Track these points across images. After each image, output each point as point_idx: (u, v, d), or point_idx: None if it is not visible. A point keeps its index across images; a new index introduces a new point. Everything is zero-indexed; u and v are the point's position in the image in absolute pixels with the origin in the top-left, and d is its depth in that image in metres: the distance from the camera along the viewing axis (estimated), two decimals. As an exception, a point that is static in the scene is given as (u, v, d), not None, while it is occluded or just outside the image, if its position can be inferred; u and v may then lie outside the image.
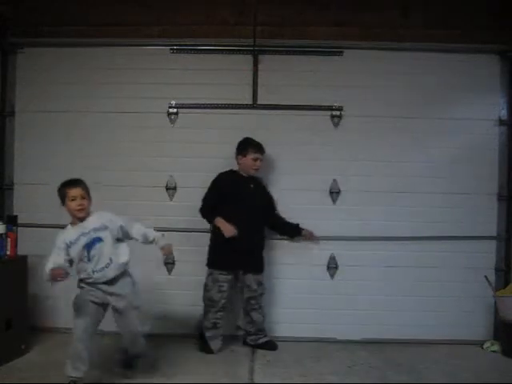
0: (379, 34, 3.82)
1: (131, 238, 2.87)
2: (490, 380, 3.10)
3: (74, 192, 2.74)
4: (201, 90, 3.87)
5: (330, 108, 3.87)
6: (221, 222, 3.41)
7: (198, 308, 3.61)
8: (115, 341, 3.66)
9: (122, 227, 2.81)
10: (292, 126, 3.87)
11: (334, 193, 3.87)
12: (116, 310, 2.82)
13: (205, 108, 3.88)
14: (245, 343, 3.63)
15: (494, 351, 3.64)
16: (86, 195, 2.79)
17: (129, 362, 3.02)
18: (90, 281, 2.79)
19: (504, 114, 3.89)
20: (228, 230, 3.38)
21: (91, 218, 2.79)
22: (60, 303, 3.88)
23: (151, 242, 2.87)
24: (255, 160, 3.51)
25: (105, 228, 2.77)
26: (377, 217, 3.85)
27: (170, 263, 3.86)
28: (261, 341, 3.58)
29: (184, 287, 3.83)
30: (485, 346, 3.70)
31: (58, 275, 2.66)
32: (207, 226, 3.69)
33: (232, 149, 3.85)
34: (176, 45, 3.90)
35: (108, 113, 3.90)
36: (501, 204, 3.88)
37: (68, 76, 3.91)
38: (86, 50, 3.91)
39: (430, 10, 3.80)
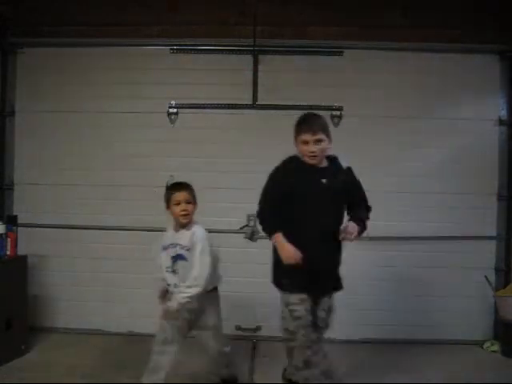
0: (379, 33, 3.81)
1: None
2: (490, 380, 3.10)
3: (179, 196, 2.63)
4: (201, 90, 3.87)
5: (330, 108, 3.87)
6: (279, 242, 2.46)
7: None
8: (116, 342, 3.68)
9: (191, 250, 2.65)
10: (292, 126, 3.85)
11: (334, 193, 3.86)
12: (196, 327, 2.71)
13: (205, 108, 3.88)
14: None
15: (494, 351, 3.65)
16: (192, 199, 2.68)
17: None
18: (173, 292, 2.65)
19: (504, 114, 3.89)
20: (288, 255, 2.43)
21: (187, 233, 2.66)
22: (60, 303, 3.90)
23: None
24: (305, 143, 2.52)
25: (188, 249, 2.64)
26: (376, 217, 3.82)
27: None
28: None
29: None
30: (485, 346, 3.70)
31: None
32: (206, 226, 3.68)
33: (232, 148, 3.86)
34: (176, 45, 3.90)
35: (108, 113, 3.90)
36: (501, 204, 3.88)
37: (68, 76, 3.91)
38: (86, 49, 3.92)
39: (430, 10, 3.80)
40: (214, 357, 2.78)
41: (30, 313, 3.54)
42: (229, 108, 3.87)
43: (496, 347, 3.65)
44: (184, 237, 2.66)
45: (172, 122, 3.92)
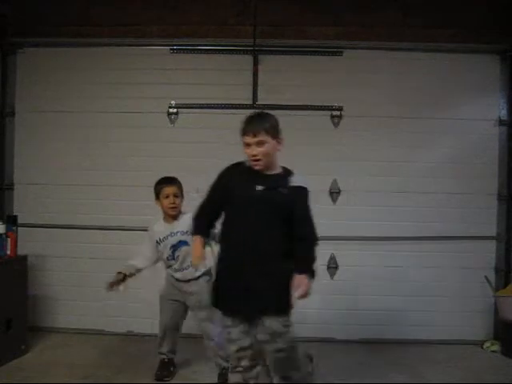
0: (379, 33, 3.81)
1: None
2: (490, 380, 3.10)
3: (168, 190, 2.88)
4: (201, 90, 3.87)
5: (330, 108, 3.87)
6: (192, 245, 2.39)
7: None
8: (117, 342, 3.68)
9: None
10: (292, 126, 3.86)
11: (334, 193, 3.87)
12: (191, 309, 2.98)
13: (205, 108, 3.88)
14: None
15: (494, 351, 3.64)
16: (180, 194, 2.92)
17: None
18: (173, 275, 2.95)
19: (504, 114, 3.88)
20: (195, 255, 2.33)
21: (181, 220, 2.90)
22: (60, 303, 3.89)
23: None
24: (247, 146, 2.29)
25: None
26: (377, 217, 3.85)
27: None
28: None
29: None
30: (485, 346, 3.70)
31: (110, 285, 2.98)
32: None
33: (231, 148, 3.85)
34: (176, 45, 3.90)
35: (108, 113, 3.90)
36: (501, 204, 3.88)
37: (68, 76, 3.91)
38: (86, 49, 3.92)
39: (429, 10, 3.79)
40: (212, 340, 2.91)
41: (30, 313, 3.54)
42: (229, 108, 3.86)
43: (496, 347, 3.65)
44: (181, 224, 2.89)
45: (172, 121, 3.92)
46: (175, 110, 3.91)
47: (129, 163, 3.89)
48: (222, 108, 3.86)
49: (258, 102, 3.87)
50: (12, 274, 3.29)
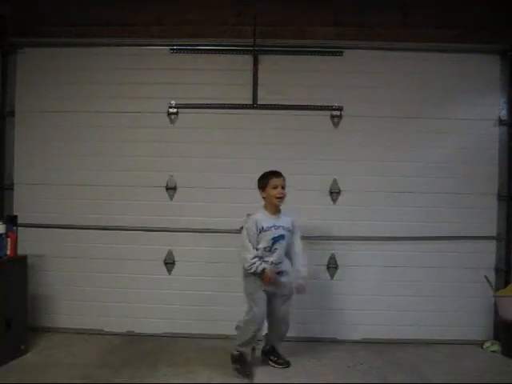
0: (379, 33, 3.81)
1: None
2: (490, 380, 3.10)
3: (278, 181, 3.08)
4: (201, 90, 3.87)
5: (330, 108, 3.87)
6: None
7: (196, 308, 3.63)
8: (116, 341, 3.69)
9: (293, 237, 3.17)
10: (292, 126, 3.87)
11: (334, 193, 3.87)
12: (280, 297, 3.13)
13: (205, 108, 3.87)
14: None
15: (493, 351, 3.64)
16: (285, 186, 3.11)
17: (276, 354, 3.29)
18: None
19: (504, 114, 3.88)
20: None
21: (285, 215, 3.14)
22: (60, 303, 3.90)
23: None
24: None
25: (289, 230, 3.12)
26: (377, 217, 3.85)
27: (169, 263, 3.86)
28: None
29: (184, 287, 3.83)
30: (485, 346, 3.70)
31: (272, 279, 3.00)
32: (206, 226, 3.75)
33: (231, 148, 3.86)
34: (176, 45, 3.90)
35: (108, 113, 3.90)
36: (501, 204, 3.87)
37: (68, 76, 3.91)
38: (86, 50, 3.91)
39: (429, 10, 3.80)
40: (280, 319, 3.18)
41: (29, 313, 3.54)
42: (229, 108, 3.86)
43: (496, 347, 3.65)
44: (285, 220, 3.11)
45: (172, 121, 3.92)
46: (175, 110, 3.91)
47: (129, 163, 3.89)
48: (222, 108, 3.86)
49: (258, 102, 3.87)
50: (12, 273, 3.29)
